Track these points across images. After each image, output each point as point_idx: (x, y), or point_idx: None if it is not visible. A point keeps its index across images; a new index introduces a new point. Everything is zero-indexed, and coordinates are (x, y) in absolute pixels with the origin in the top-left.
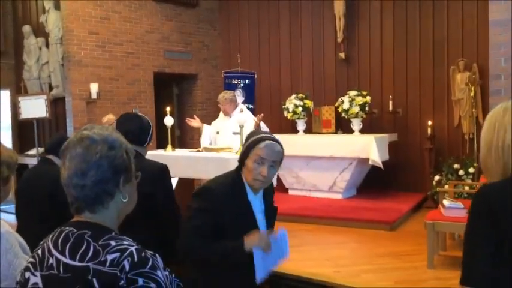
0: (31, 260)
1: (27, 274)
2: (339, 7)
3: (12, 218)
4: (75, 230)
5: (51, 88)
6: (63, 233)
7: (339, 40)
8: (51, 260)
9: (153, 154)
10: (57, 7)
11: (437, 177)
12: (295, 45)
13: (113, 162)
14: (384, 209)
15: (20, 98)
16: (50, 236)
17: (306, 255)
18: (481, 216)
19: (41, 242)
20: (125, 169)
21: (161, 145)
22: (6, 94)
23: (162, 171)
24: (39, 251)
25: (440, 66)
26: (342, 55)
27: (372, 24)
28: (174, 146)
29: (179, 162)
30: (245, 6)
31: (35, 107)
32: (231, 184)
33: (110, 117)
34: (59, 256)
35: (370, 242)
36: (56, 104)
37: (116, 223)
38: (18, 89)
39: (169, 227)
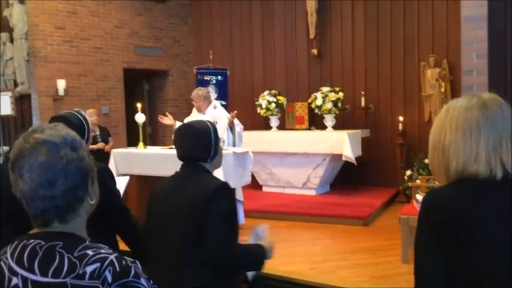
0: None
1: None
2: (311, 3)
3: None
4: (43, 243)
5: (16, 85)
6: (28, 247)
7: (311, 36)
8: (15, 280)
9: (123, 152)
10: (21, 1)
11: (408, 172)
12: (267, 41)
13: (80, 164)
14: (357, 204)
15: None
16: (9, 252)
17: (280, 252)
18: (427, 227)
19: None
20: (90, 169)
21: (132, 143)
22: None
23: (102, 171)
24: None
25: (411, 62)
26: (315, 51)
27: (344, 20)
28: (145, 144)
29: (150, 160)
30: (217, 1)
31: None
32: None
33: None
34: (26, 274)
35: (344, 238)
36: (22, 101)
37: (84, 228)
38: None
39: (123, 227)
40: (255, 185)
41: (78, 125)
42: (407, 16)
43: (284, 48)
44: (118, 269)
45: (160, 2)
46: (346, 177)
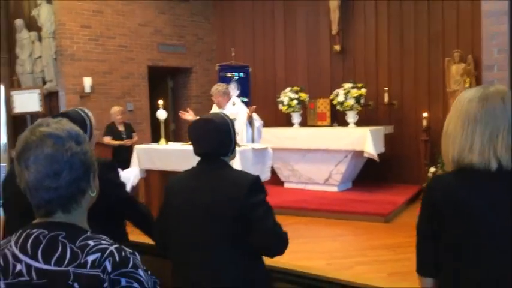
0: None
1: None
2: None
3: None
4: (46, 232)
5: (44, 82)
6: (32, 236)
7: (334, 32)
8: (19, 267)
9: (146, 147)
10: (49, 0)
11: (432, 169)
12: (290, 37)
13: (83, 158)
14: (379, 201)
15: (13, 93)
16: (13, 240)
17: (299, 247)
18: (427, 208)
19: None
20: (92, 163)
21: (156, 139)
22: None
23: (105, 167)
24: (0, 259)
25: (436, 57)
26: (337, 47)
27: (367, 15)
28: (168, 140)
29: (171, 156)
30: None
31: (28, 102)
32: None
33: (117, 109)
34: (30, 261)
35: (364, 234)
36: (50, 98)
37: (85, 219)
38: (12, 84)
39: (131, 216)
40: (276, 181)
41: (80, 122)
42: (432, 10)
43: (306, 45)
44: (117, 259)
45: (184, 1)
46: (369, 174)
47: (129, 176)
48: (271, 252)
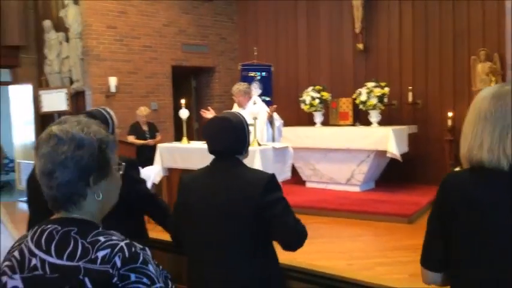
0: (7, 263)
1: (3, 279)
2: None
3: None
4: (59, 228)
5: (72, 82)
6: (46, 231)
7: (357, 31)
8: (34, 261)
9: (168, 146)
10: (76, 2)
11: (457, 169)
12: (312, 36)
13: (80, 162)
14: (402, 202)
15: (41, 92)
16: (30, 236)
17: (319, 247)
18: (438, 204)
19: (16, 243)
20: (96, 168)
21: (180, 138)
22: (28, 88)
23: (126, 164)
24: (17, 253)
25: (461, 56)
26: (360, 46)
27: (391, 13)
28: (191, 139)
29: (193, 154)
30: None
31: (55, 101)
32: None
33: (142, 109)
34: (44, 256)
35: (386, 235)
36: (77, 98)
37: (97, 218)
38: (40, 83)
39: (151, 211)
40: (298, 180)
41: (103, 121)
42: (457, 8)
43: (329, 44)
44: (127, 255)
45: (207, 1)
46: (392, 174)
47: (150, 174)
48: (292, 248)
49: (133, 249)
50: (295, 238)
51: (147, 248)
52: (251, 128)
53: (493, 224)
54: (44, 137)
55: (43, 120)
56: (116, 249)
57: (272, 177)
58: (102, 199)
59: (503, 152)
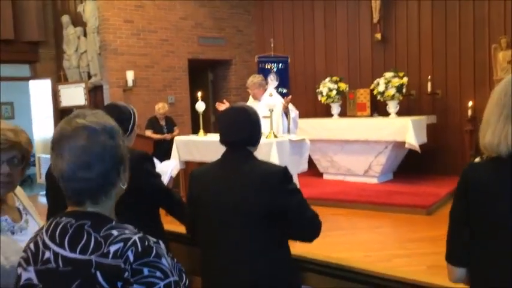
0: (23, 255)
1: (19, 270)
2: None
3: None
4: (73, 221)
5: (90, 76)
6: (61, 225)
7: (375, 21)
8: (47, 254)
9: (185, 139)
10: None
11: (477, 160)
12: (329, 27)
13: (116, 152)
14: (421, 193)
15: (60, 87)
16: (45, 228)
17: (337, 239)
18: (461, 195)
19: (33, 235)
20: (124, 157)
21: (197, 130)
22: (47, 83)
23: (141, 159)
24: (32, 245)
25: (481, 44)
26: (378, 36)
27: (409, 2)
28: (207, 131)
29: (210, 147)
30: None
31: (74, 96)
32: None
33: (160, 106)
34: (57, 249)
35: (404, 227)
36: (95, 92)
37: (113, 209)
38: (59, 78)
39: (167, 206)
40: (315, 172)
41: (127, 115)
42: None
43: (347, 34)
44: (140, 249)
45: None
46: (411, 165)
47: (166, 170)
48: (308, 240)
49: (146, 243)
50: (313, 232)
51: (160, 242)
52: (267, 120)
53: (500, 213)
54: (69, 129)
55: (62, 114)
56: (128, 244)
57: (285, 169)
58: (124, 188)
59: (504, 138)
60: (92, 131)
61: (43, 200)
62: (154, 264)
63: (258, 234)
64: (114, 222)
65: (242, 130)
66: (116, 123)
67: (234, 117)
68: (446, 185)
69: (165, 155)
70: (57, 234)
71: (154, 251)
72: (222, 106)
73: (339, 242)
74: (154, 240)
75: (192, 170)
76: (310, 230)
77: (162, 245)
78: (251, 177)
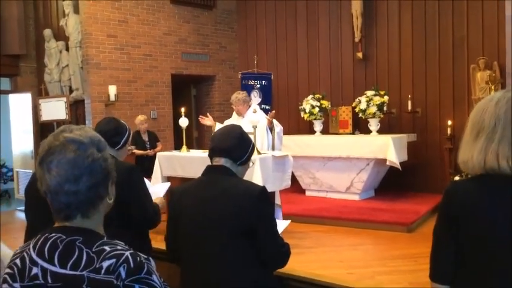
0: (8, 270)
1: (4, 286)
2: (357, 6)
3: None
4: (64, 237)
5: (71, 91)
6: (50, 240)
7: (357, 39)
8: (34, 270)
9: (167, 155)
10: (76, 11)
11: (457, 178)
12: (312, 45)
13: (104, 165)
14: (401, 210)
15: (40, 101)
16: (32, 244)
17: (319, 256)
18: (444, 216)
19: (18, 250)
20: (111, 170)
21: (180, 146)
22: (28, 97)
23: (129, 171)
24: (18, 261)
25: (460, 64)
26: (360, 55)
27: (390, 22)
28: (190, 147)
29: (192, 163)
30: (262, 7)
31: (55, 110)
32: None
33: (142, 119)
34: (46, 265)
35: (386, 244)
36: (77, 106)
37: (102, 224)
38: (40, 92)
39: (142, 224)
40: (298, 189)
41: (124, 130)
42: (456, 16)
43: (329, 52)
44: (132, 266)
45: (207, 10)
46: (391, 183)
47: (158, 191)
48: (274, 268)
49: (138, 259)
50: (279, 261)
51: (151, 258)
52: (251, 137)
53: (500, 232)
54: (57, 143)
55: (42, 128)
56: (121, 260)
57: (264, 189)
58: (111, 202)
59: (478, 156)
60: (80, 144)
61: (21, 215)
62: (146, 281)
63: (237, 251)
64: (105, 238)
65: (228, 141)
66: (102, 138)
67: (228, 130)
68: (426, 203)
69: (147, 172)
70: (46, 249)
71: (145, 268)
72: (205, 120)
73: (321, 259)
74: (145, 256)
75: (173, 188)
76: (279, 262)
77: (152, 262)
78: (230, 194)
